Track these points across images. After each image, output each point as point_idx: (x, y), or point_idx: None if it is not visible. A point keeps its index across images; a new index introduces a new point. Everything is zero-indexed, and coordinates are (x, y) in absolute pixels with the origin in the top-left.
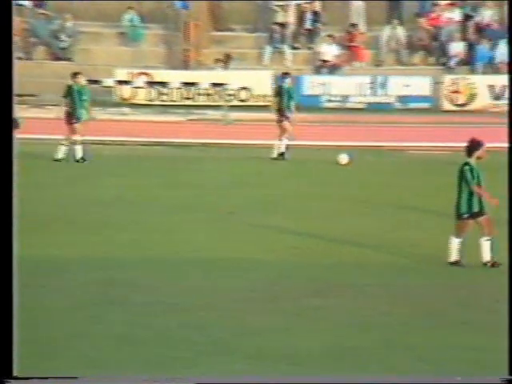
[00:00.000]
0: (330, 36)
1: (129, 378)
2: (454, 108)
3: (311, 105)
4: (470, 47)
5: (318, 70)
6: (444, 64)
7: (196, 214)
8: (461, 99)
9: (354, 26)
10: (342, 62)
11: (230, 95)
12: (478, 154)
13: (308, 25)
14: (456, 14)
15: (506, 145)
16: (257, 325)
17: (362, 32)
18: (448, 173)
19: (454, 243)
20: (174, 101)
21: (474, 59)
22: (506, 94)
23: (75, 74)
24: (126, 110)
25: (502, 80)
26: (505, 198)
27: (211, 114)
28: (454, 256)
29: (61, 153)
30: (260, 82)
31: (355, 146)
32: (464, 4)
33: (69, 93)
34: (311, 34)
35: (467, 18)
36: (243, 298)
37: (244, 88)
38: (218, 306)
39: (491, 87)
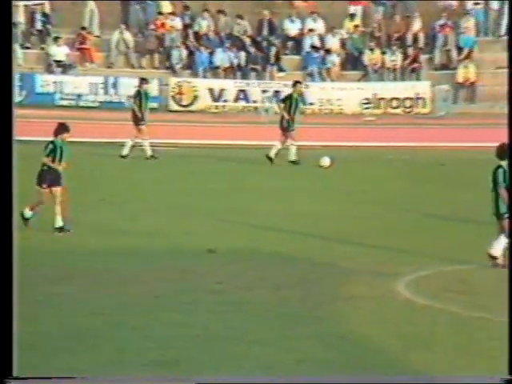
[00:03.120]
0: (58, 38)
1: (129, 377)
2: (180, 108)
3: (44, 102)
4: (191, 53)
5: (50, 69)
6: (169, 68)
7: None
8: (185, 100)
9: (84, 28)
10: (74, 63)
11: None
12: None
13: (38, 25)
14: (177, 22)
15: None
16: None
17: (95, 35)
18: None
19: (502, 242)
20: None
21: (195, 64)
22: (224, 96)
23: (296, 83)
24: None
25: (220, 84)
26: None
27: None
28: (497, 252)
29: None
30: None
31: (94, 141)
32: (184, 14)
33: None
34: (42, 35)
35: (187, 26)
36: None
37: None
38: None
39: (211, 90)
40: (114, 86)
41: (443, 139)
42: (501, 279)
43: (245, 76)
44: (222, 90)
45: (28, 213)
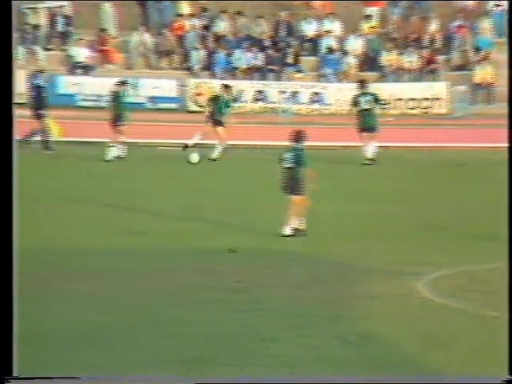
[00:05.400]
0: (80, 39)
1: (129, 377)
2: (198, 108)
3: (66, 103)
4: (210, 54)
5: (72, 71)
6: (188, 68)
7: None
8: (203, 101)
9: (104, 30)
10: (94, 64)
11: None
12: None
13: (60, 28)
14: (196, 24)
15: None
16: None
17: (114, 36)
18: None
19: None
20: None
21: (213, 65)
22: (242, 97)
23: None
24: None
25: (238, 85)
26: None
27: None
28: None
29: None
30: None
31: (111, 141)
32: (202, 15)
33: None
34: (63, 37)
35: (205, 27)
36: None
37: None
38: None
39: None
40: (134, 87)
41: (461, 140)
42: None
43: (262, 77)
44: (239, 91)
45: (295, 223)
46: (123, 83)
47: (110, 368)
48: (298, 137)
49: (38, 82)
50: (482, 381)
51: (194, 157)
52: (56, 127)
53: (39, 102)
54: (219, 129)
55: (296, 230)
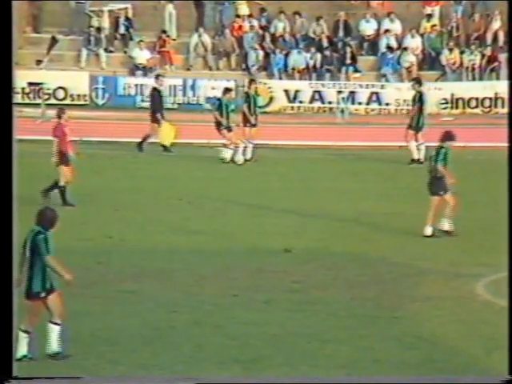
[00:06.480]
0: (141, 41)
1: (129, 378)
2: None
3: (126, 104)
4: (267, 55)
5: (132, 72)
6: (245, 69)
7: None
8: (261, 101)
9: (164, 32)
10: (154, 66)
11: (46, 94)
12: None
13: (122, 30)
14: (254, 24)
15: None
16: (72, 309)
17: (173, 38)
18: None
19: None
20: None
21: (270, 66)
22: (300, 97)
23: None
24: None
25: (295, 85)
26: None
27: (27, 111)
28: None
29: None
30: (76, 82)
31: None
32: (260, 16)
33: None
34: (125, 39)
35: (263, 28)
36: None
37: (61, 88)
38: None
39: (286, 91)
40: (192, 87)
41: None
42: None
43: (320, 77)
44: (297, 91)
45: (429, 229)
46: (228, 90)
47: (171, 368)
48: (447, 136)
49: (155, 86)
50: (482, 381)
51: (240, 158)
52: (172, 129)
53: (154, 105)
54: (247, 129)
55: (445, 231)
